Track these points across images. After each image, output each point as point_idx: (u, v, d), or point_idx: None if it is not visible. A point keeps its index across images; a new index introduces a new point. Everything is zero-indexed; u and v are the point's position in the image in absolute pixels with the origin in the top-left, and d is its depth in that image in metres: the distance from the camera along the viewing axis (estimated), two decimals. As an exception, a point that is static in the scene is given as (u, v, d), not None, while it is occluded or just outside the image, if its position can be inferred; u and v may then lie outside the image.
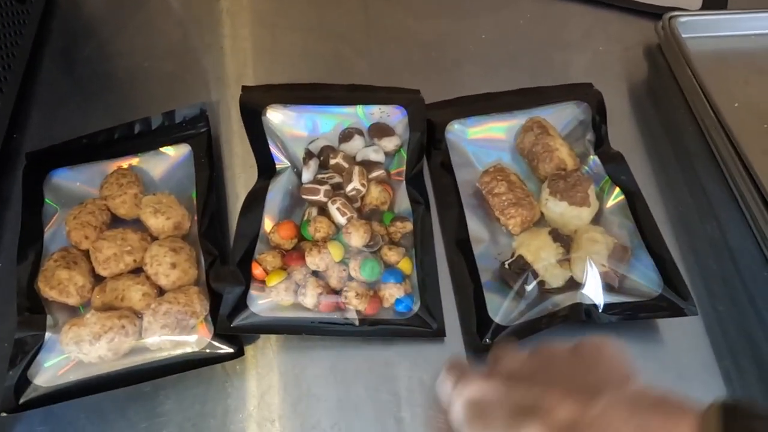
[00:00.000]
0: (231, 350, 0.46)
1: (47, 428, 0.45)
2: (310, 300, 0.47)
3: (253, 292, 0.47)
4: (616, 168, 0.53)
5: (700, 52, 0.59)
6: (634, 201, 0.51)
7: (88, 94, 0.64)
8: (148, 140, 0.56)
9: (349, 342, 0.48)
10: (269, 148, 0.55)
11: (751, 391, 0.45)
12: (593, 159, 0.54)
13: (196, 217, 0.52)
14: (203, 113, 0.57)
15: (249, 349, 0.48)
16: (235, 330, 0.46)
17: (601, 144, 0.55)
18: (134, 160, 0.55)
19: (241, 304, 0.47)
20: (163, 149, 0.56)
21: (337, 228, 0.50)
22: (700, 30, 0.64)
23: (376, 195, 0.52)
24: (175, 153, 0.56)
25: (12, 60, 0.61)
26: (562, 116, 0.56)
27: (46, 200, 0.54)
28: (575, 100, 0.56)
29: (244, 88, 0.56)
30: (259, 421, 0.45)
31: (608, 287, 0.46)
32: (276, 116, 0.55)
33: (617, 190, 0.52)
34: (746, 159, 0.51)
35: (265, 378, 0.47)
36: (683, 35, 0.60)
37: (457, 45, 0.67)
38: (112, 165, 0.55)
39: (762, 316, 0.49)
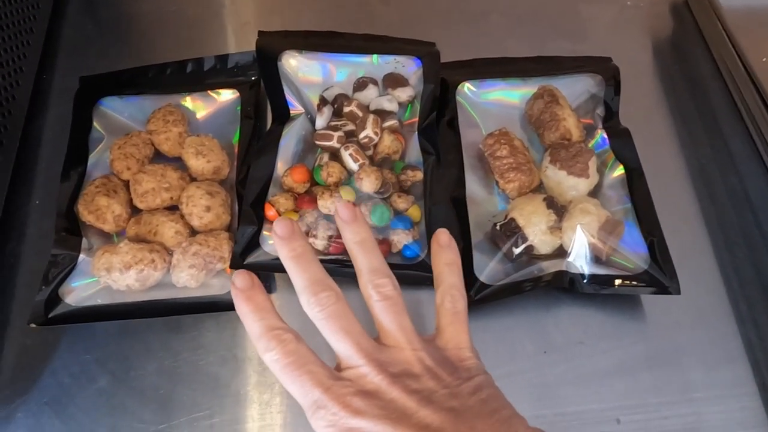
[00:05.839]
0: None
1: (92, 356, 0.46)
2: (321, 242, 0.47)
3: (265, 233, 0.48)
4: (621, 143, 0.53)
5: (730, 7, 0.59)
6: (633, 178, 0.51)
7: (114, 36, 0.64)
8: (198, 81, 0.57)
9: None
10: (284, 94, 0.55)
11: (763, 335, 0.47)
12: (601, 133, 0.54)
13: (235, 164, 0.52)
14: (256, 61, 0.57)
15: (281, 285, 0.49)
16: (247, 267, 0.46)
17: (610, 119, 0.55)
18: (182, 99, 0.56)
19: (254, 243, 0.47)
20: (211, 92, 0.56)
21: (349, 174, 0.51)
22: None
23: (388, 144, 0.52)
24: (222, 97, 0.56)
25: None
26: (576, 87, 0.56)
27: (95, 125, 0.54)
28: (591, 72, 0.56)
29: (260, 33, 0.56)
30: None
31: (595, 258, 0.47)
32: (292, 62, 0.55)
33: (619, 166, 0.52)
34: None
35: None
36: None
37: (486, -6, 0.67)
38: (160, 101, 0.55)
39: (779, 263, 0.51)
